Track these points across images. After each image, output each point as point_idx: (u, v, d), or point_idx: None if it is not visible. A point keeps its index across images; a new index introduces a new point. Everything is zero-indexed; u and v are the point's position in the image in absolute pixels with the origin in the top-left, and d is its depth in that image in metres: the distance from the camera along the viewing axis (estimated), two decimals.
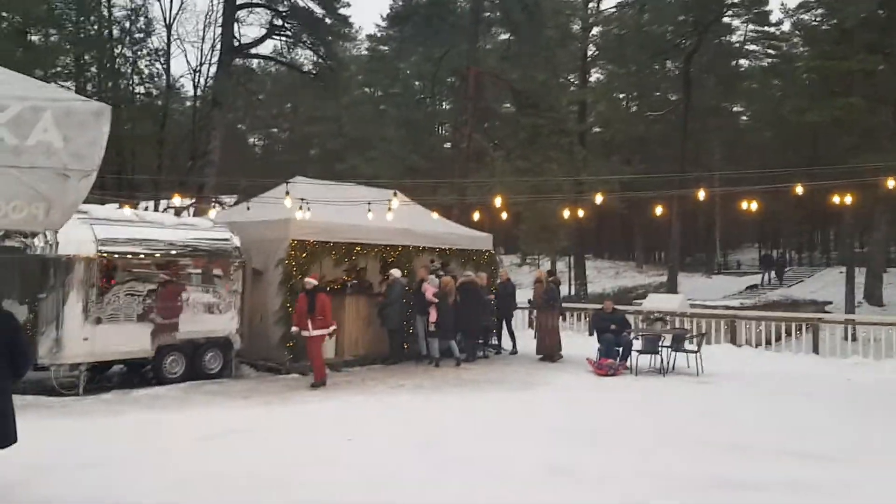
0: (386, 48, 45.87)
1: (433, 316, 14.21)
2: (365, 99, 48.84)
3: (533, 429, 8.86)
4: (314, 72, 29.44)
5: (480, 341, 16.06)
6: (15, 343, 5.30)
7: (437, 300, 14.20)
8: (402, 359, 14.69)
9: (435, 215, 17.58)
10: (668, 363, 13.95)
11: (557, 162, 26.43)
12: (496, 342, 16.66)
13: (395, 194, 14.29)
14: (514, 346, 16.66)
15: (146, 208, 23.37)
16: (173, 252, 11.79)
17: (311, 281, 11.89)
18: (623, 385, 12.52)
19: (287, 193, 13.36)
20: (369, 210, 13.49)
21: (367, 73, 47.57)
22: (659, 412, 10.23)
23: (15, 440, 5.39)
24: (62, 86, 30.41)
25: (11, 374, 5.35)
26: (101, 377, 12.08)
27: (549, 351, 15.55)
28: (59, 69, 27.94)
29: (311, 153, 56.77)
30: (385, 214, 14.96)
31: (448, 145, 39.49)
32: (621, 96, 46.05)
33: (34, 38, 27.28)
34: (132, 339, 11.19)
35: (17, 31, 26.08)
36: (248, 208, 14.50)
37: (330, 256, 13.96)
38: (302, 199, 12.94)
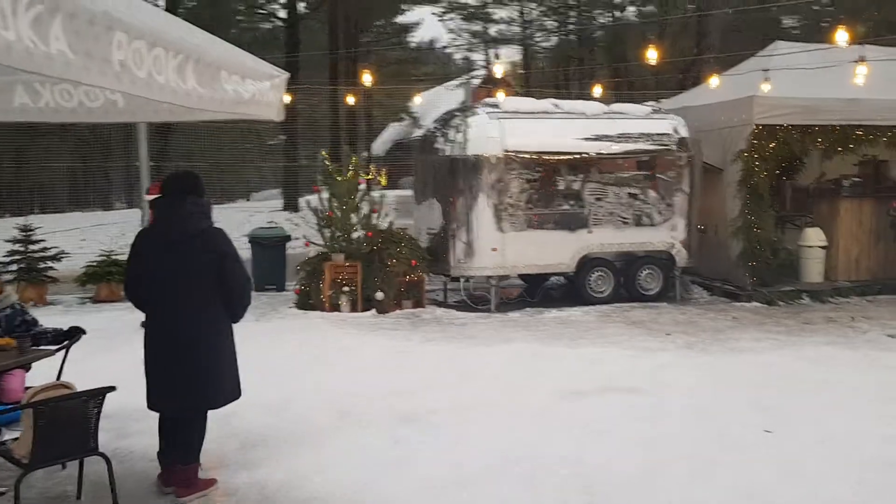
0: None
1: None
2: None
3: None
4: None
5: None
6: (224, 271, 3.96)
7: None
8: None
9: None
10: None
11: None
12: None
13: None
14: None
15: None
16: (596, 148, 9.71)
17: None
18: None
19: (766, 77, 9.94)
20: (861, 66, 9.19)
21: None
22: None
23: (235, 397, 4.16)
24: None
25: (226, 315, 4.06)
26: (540, 289, 10.95)
27: None
28: None
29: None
30: None
31: None
32: None
33: None
34: (548, 251, 9.61)
35: None
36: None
37: (814, 146, 10.19)
38: (765, 70, 9.45)
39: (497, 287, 9.69)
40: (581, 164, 9.64)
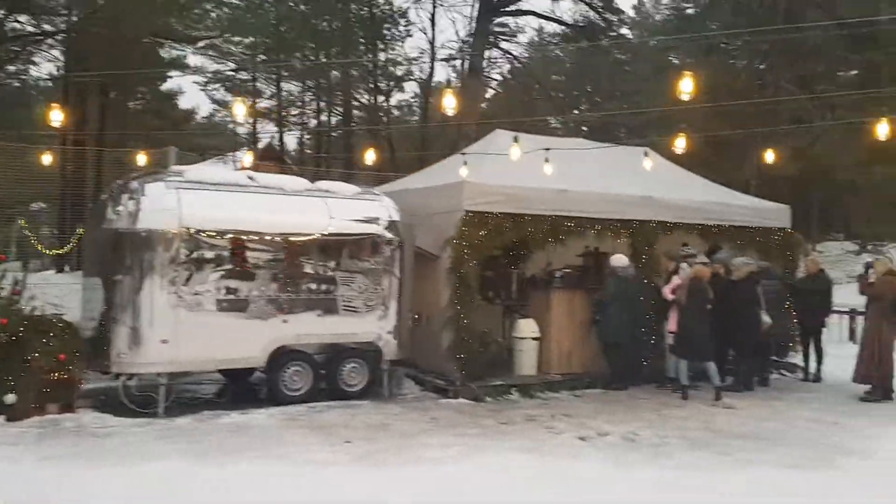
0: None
1: (672, 323, 9.58)
2: (667, 67, 42.91)
3: None
4: (581, 24, 25.22)
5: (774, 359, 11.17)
6: None
7: (672, 297, 9.61)
8: (635, 382, 10.19)
9: (702, 180, 12.62)
10: None
11: None
12: (805, 363, 11.38)
13: (645, 154, 10.24)
14: (819, 370, 11.16)
15: None
16: (294, 227, 8.71)
17: None
18: None
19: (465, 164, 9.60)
20: (547, 160, 9.18)
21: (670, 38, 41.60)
22: None
23: None
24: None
25: None
26: (240, 386, 9.60)
27: (881, 381, 9.82)
28: None
29: (616, 134, 52.13)
30: (625, 179, 10.86)
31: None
32: None
33: None
34: (234, 343, 8.32)
35: None
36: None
37: (526, 234, 9.94)
38: (462, 154, 9.12)
39: (167, 386, 8.16)
40: (276, 245, 8.56)
